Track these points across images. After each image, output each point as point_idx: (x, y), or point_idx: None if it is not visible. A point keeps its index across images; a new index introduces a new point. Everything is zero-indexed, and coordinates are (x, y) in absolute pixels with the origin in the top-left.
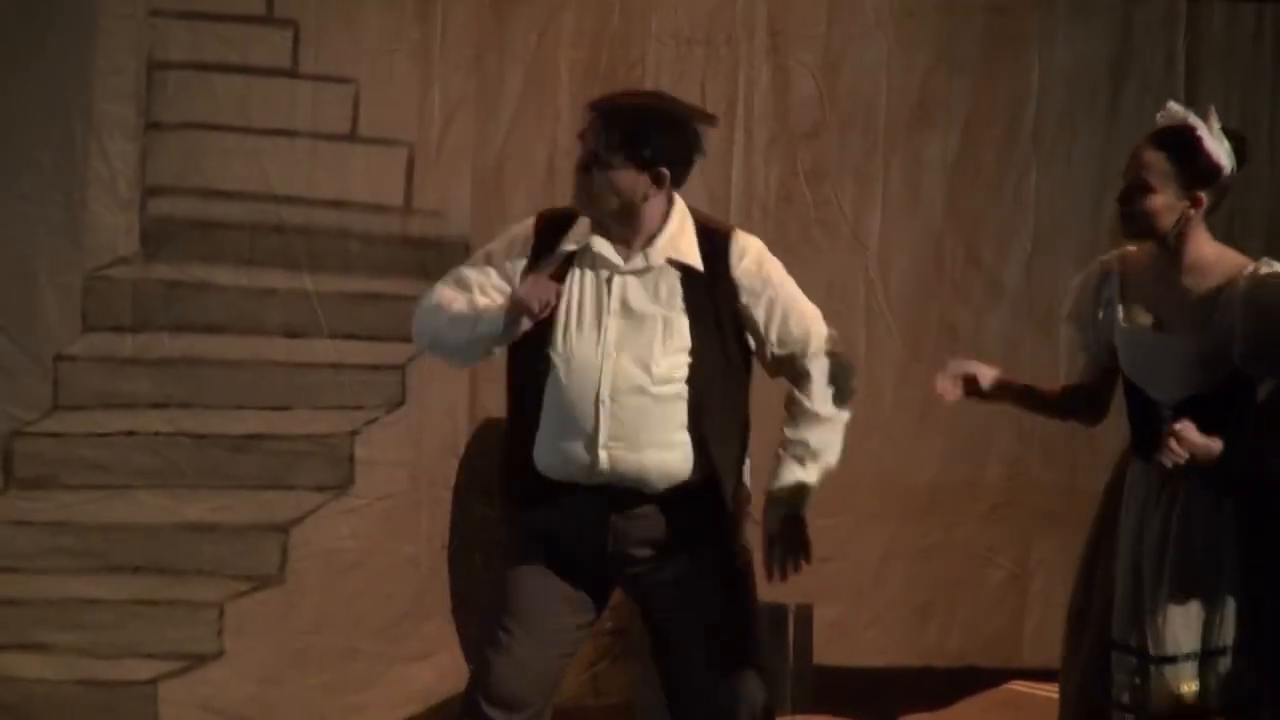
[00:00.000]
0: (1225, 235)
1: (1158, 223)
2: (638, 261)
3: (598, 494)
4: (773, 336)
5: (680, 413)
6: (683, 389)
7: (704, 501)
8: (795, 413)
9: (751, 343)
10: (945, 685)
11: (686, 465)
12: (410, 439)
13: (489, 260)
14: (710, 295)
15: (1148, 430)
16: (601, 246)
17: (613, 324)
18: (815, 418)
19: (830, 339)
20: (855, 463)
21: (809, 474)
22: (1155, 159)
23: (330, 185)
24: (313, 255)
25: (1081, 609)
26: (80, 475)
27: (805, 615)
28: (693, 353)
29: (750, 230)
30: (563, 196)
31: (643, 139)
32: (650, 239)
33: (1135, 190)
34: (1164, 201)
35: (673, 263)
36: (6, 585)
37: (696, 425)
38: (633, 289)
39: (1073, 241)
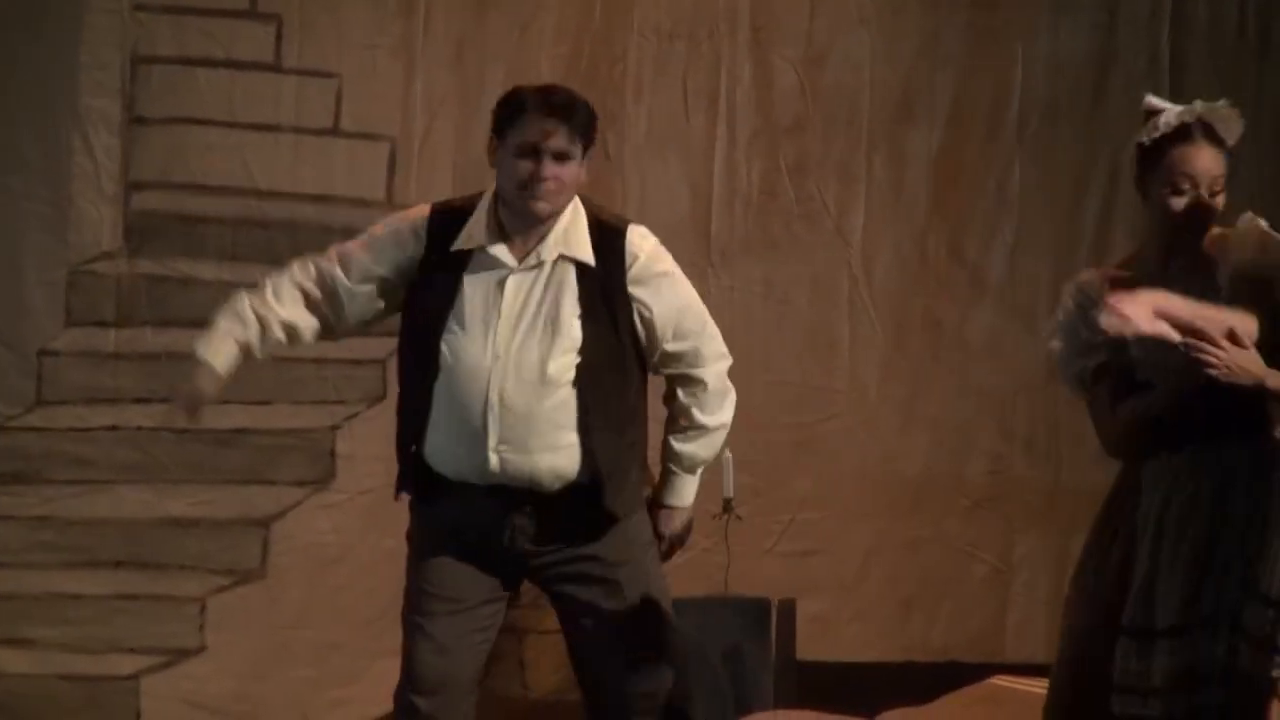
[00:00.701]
0: None
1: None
2: (531, 259)
3: (492, 493)
4: (668, 334)
5: (569, 414)
6: (571, 390)
7: (595, 498)
8: (684, 424)
9: (644, 338)
10: (928, 680)
11: (575, 465)
12: (390, 433)
13: (369, 247)
14: (603, 290)
15: (1178, 422)
16: (498, 250)
17: (502, 326)
18: (704, 430)
19: (719, 342)
20: (839, 458)
21: (695, 481)
22: (1218, 161)
23: (313, 180)
24: (296, 250)
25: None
26: (63, 470)
27: (788, 609)
28: (582, 351)
29: (733, 225)
30: None
31: (591, 131)
32: (544, 234)
33: (1213, 197)
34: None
35: (565, 258)
36: None
37: (584, 426)
38: (523, 289)
39: (1056, 236)
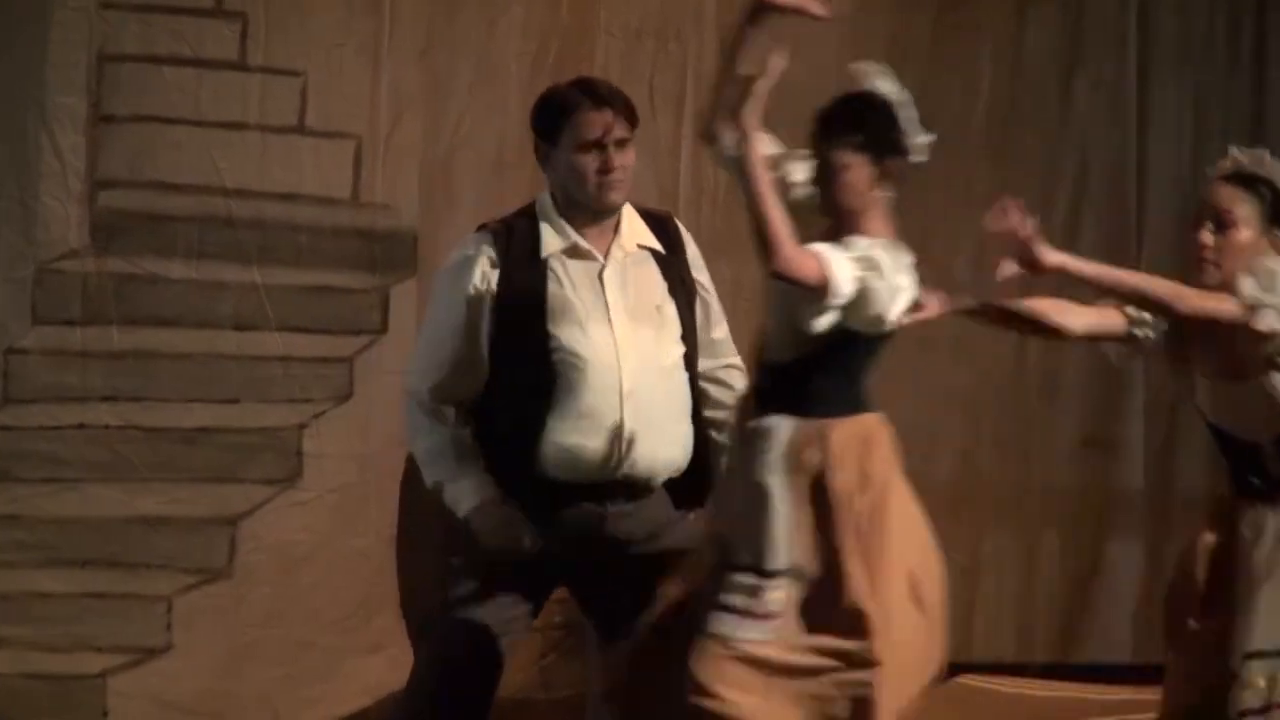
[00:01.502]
0: (1177, 227)
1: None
2: (616, 252)
3: (605, 489)
4: (716, 316)
5: (683, 402)
6: (681, 378)
7: (693, 485)
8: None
9: (700, 323)
10: None
11: (686, 455)
12: (358, 431)
13: (467, 310)
14: (679, 277)
15: (1247, 470)
16: (584, 247)
17: (616, 318)
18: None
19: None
20: None
21: None
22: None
23: (280, 178)
24: (263, 248)
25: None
26: (31, 468)
27: None
28: (684, 339)
29: (700, 224)
30: (512, 189)
31: (636, 115)
32: (615, 226)
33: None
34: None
35: (643, 247)
36: None
37: (696, 412)
38: (621, 280)
39: None
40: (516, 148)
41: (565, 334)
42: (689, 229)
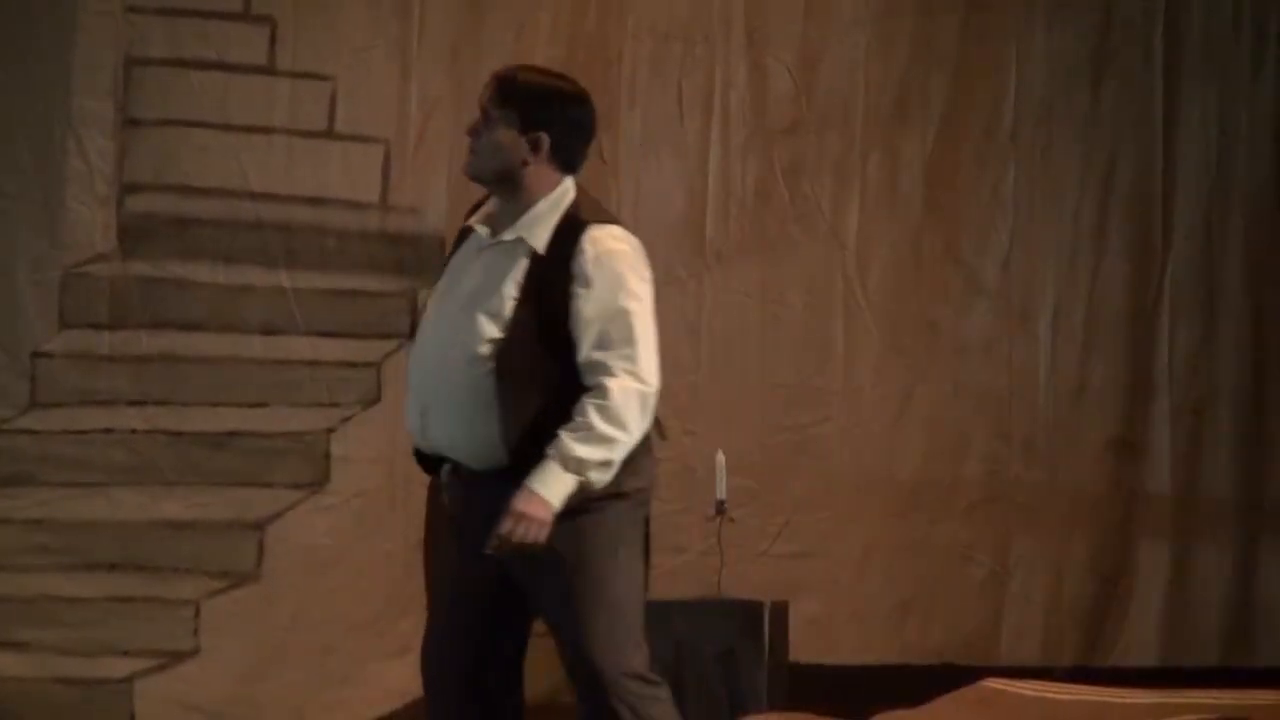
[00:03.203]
0: (1204, 228)
1: None
2: (504, 236)
3: (435, 460)
4: (590, 338)
5: (485, 392)
6: (491, 368)
7: (514, 477)
8: (576, 417)
9: (573, 333)
10: (922, 682)
11: (489, 443)
12: (386, 436)
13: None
14: (548, 281)
15: None
16: (477, 221)
17: (455, 299)
18: (591, 429)
19: (638, 371)
20: (835, 460)
21: (562, 477)
22: None
23: (307, 182)
24: (290, 252)
25: None
26: (58, 473)
27: (780, 612)
28: (508, 329)
29: (728, 227)
30: None
31: (527, 100)
32: (517, 216)
33: None
34: None
35: (523, 240)
36: None
37: (503, 403)
38: (484, 263)
39: (1051, 238)
40: None
41: (429, 307)
42: (717, 232)
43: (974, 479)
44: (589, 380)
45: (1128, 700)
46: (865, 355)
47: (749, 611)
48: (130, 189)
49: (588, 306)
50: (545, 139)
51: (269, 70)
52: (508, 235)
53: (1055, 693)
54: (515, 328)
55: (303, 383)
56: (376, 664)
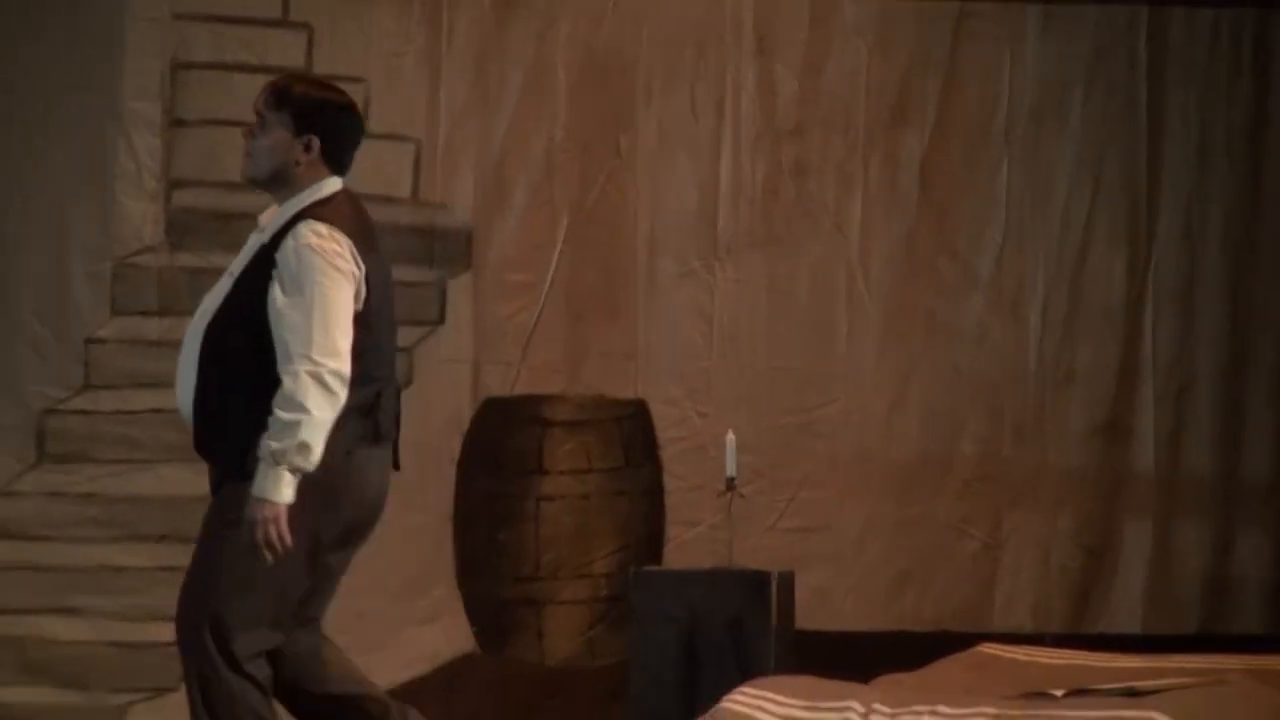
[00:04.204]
0: (1186, 224)
1: None
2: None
3: None
4: (273, 319)
5: (196, 354)
6: (199, 333)
7: (216, 454)
8: (270, 419)
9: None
10: (920, 648)
11: (188, 402)
12: (417, 416)
13: None
14: (262, 269)
15: None
16: (261, 219)
17: (222, 281)
18: (274, 418)
19: (311, 354)
20: (838, 439)
21: (273, 471)
22: None
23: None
24: None
25: None
26: (110, 451)
27: (787, 581)
28: (220, 311)
29: (738, 222)
30: (560, 189)
31: (299, 105)
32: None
33: None
34: None
35: (260, 230)
36: (40, 553)
37: (202, 385)
38: (246, 248)
39: (1042, 233)
40: (564, 150)
41: None
42: (727, 226)
43: (968, 458)
44: (279, 366)
45: (1113, 664)
46: (866, 342)
47: (757, 581)
48: (176, 185)
49: (277, 293)
50: (316, 141)
51: (307, 73)
52: (264, 222)
53: (1046, 657)
54: (225, 309)
55: None
56: (409, 629)
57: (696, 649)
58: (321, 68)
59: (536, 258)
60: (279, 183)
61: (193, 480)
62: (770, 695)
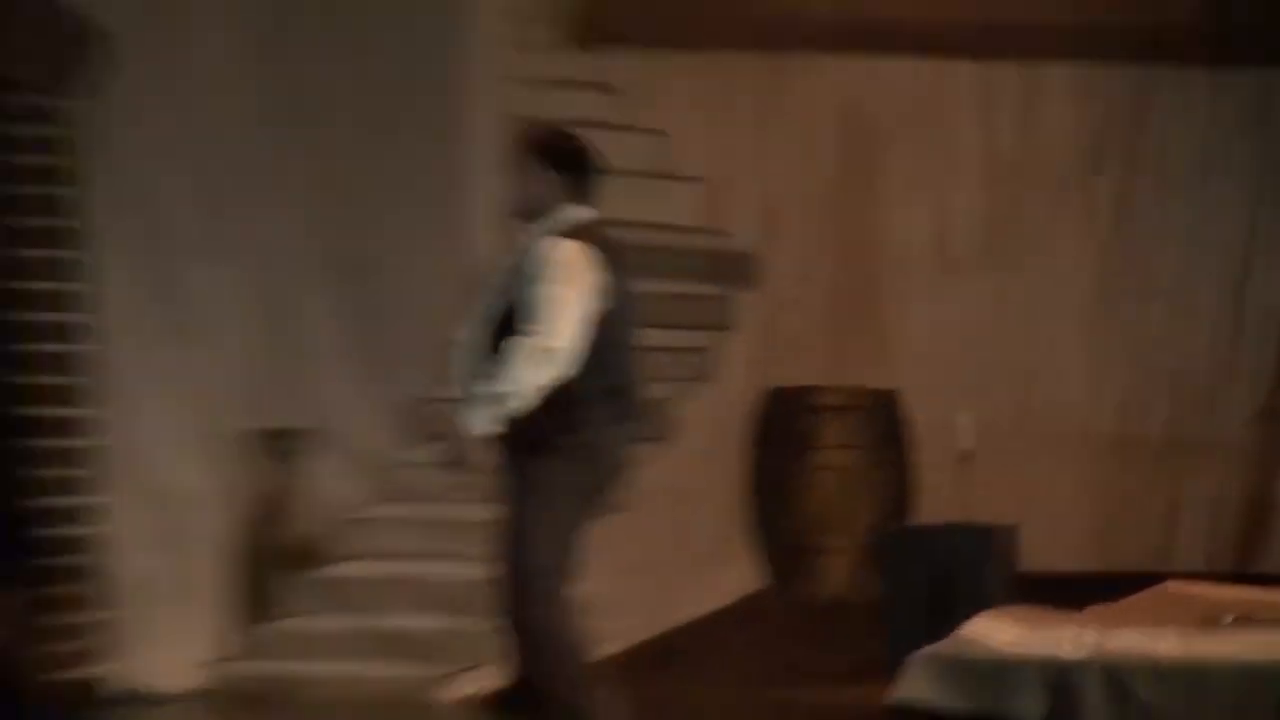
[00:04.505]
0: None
1: None
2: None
3: None
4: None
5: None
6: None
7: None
8: None
9: None
10: (1120, 586)
11: None
12: (714, 404)
13: None
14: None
15: None
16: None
17: None
18: None
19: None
20: (1052, 420)
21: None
22: None
23: (651, 212)
24: (643, 265)
25: None
26: None
27: (1011, 534)
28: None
29: (969, 246)
30: (824, 221)
31: (542, 149)
32: None
33: None
34: None
35: None
36: (431, 511)
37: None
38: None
39: (1212, 254)
40: (825, 192)
41: None
42: (959, 251)
43: (1156, 435)
44: None
45: (1272, 597)
46: (1071, 343)
47: (987, 533)
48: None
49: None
50: (557, 176)
51: (627, 128)
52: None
53: (1219, 592)
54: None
55: (658, 363)
56: (711, 571)
57: (938, 588)
58: (631, 122)
59: (806, 276)
60: (535, 216)
61: None
62: (1001, 622)
